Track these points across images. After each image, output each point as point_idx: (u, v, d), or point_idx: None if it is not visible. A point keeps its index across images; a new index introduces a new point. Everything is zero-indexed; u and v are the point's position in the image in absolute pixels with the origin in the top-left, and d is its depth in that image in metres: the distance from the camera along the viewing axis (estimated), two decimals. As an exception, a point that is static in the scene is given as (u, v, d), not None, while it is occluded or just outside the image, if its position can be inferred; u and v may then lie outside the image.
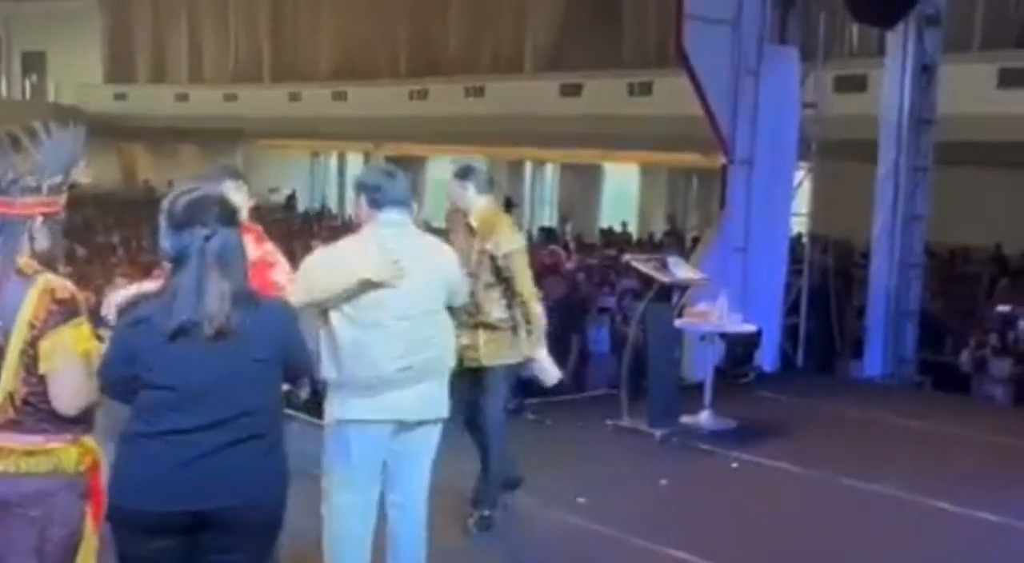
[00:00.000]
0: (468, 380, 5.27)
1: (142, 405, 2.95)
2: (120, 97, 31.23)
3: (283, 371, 3.12)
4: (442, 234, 5.00)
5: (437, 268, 4.32)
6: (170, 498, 2.93)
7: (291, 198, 29.28)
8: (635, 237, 22.47)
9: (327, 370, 4.14)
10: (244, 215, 4.00)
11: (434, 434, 4.35)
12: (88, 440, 3.13)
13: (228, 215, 3.02)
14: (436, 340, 4.28)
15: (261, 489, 3.03)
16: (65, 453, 3.05)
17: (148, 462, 2.95)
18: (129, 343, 2.96)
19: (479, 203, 5.35)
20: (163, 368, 2.92)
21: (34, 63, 34.67)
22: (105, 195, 25.81)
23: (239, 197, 4.01)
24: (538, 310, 5.29)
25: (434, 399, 4.29)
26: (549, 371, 5.40)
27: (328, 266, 4.11)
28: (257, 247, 3.92)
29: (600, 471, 6.21)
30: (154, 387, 2.93)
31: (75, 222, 2.83)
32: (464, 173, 5.39)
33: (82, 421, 3.10)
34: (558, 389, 6.91)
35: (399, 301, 4.10)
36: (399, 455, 4.29)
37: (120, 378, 2.96)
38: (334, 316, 4.07)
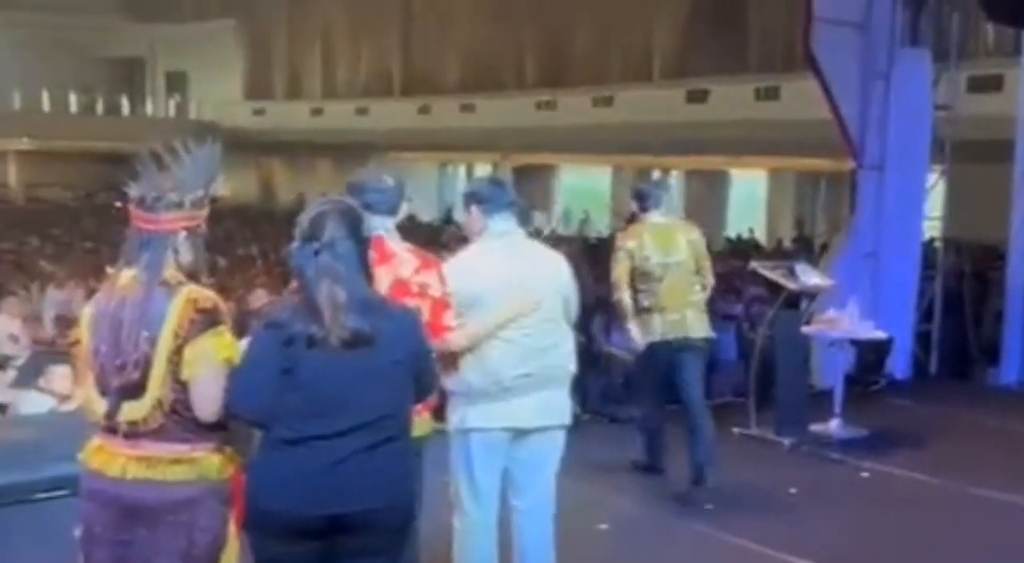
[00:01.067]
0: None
1: (283, 411, 3.02)
2: (258, 113, 32.08)
3: (412, 378, 3.18)
4: (566, 243, 5.06)
5: (553, 277, 4.36)
6: (312, 502, 3.00)
7: (450, 210, 29.18)
8: (762, 243, 22.16)
9: (447, 379, 4.20)
10: (391, 226, 3.97)
11: (557, 441, 4.37)
12: (230, 450, 3.20)
13: (348, 227, 3.10)
14: (555, 348, 4.31)
15: (399, 491, 3.11)
16: (209, 461, 3.12)
17: (291, 467, 3.02)
18: (269, 350, 3.03)
19: (642, 216, 6.48)
20: (304, 374, 2.99)
21: (177, 82, 35.79)
22: (244, 208, 26.57)
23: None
24: (615, 297, 6.37)
25: (555, 406, 4.32)
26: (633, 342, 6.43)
27: (470, 302, 4.13)
28: (441, 284, 3.91)
29: (727, 479, 6.14)
30: (296, 392, 3.00)
31: (216, 234, 2.91)
32: (632, 194, 6.69)
33: (224, 429, 3.16)
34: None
35: (513, 310, 4.19)
36: (522, 463, 4.33)
37: (257, 384, 3.02)
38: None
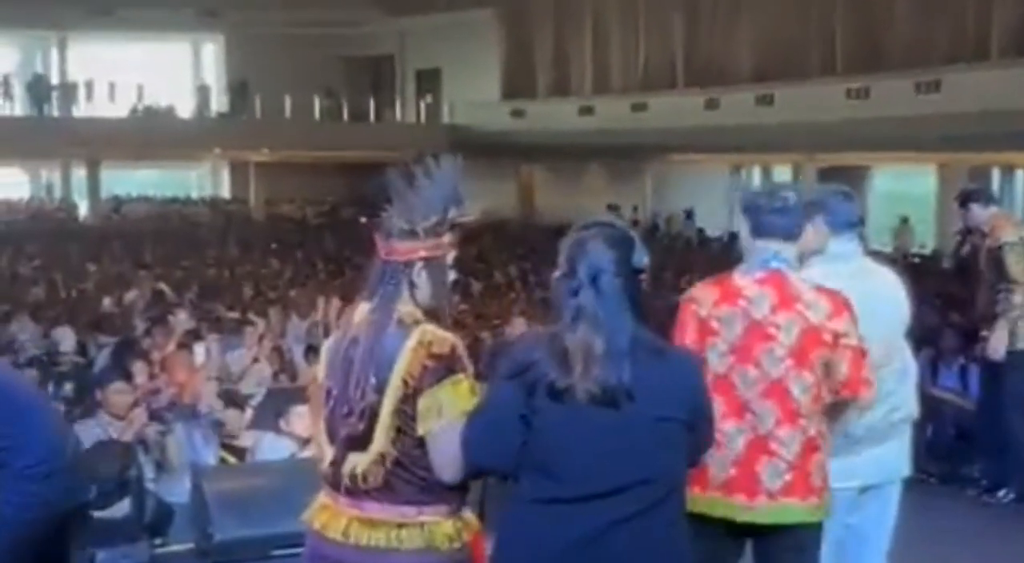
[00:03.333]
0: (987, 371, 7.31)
1: (528, 465, 3.04)
2: (518, 114, 32.61)
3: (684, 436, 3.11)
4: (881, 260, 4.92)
5: (899, 305, 4.22)
6: None
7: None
8: None
9: None
10: (792, 256, 3.92)
11: (893, 500, 4.31)
12: (468, 513, 3.23)
13: (614, 258, 3.07)
14: (896, 393, 4.24)
15: None
16: (439, 528, 3.14)
17: (539, 536, 3.02)
18: (510, 394, 3.05)
19: (984, 215, 7.13)
20: (545, 427, 3.00)
21: (429, 82, 36.72)
22: (501, 223, 27.07)
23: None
24: (1019, 300, 6.86)
25: (894, 459, 4.26)
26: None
27: None
28: (856, 329, 3.85)
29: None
30: (538, 445, 3.01)
31: (470, 255, 2.87)
32: (963, 198, 7.23)
33: (463, 490, 3.19)
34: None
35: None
36: (855, 530, 4.27)
37: (499, 430, 3.04)
38: None
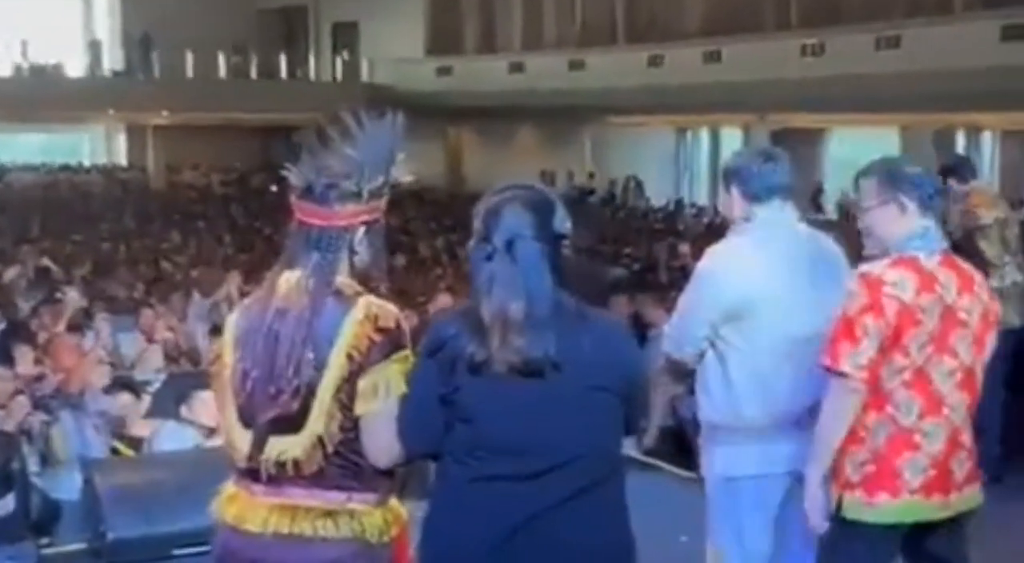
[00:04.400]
0: None
1: (452, 445, 3.06)
2: (444, 72, 32.51)
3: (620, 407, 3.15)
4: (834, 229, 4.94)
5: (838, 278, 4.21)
6: None
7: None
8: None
9: (709, 412, 4.22)
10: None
11: None
12: (396, 503, 3.23)
13: (533, 222, 3.06)
14: None
15: (601, 559, 3.08)
16: (369, 517, 3.14)
17: (460, 523, 3.05)
18: (429, 373, 3.06)
19: (966, 189, 7.23)
20: (468, 404, 3.02)
21: (345, 36, 36.53)
22: (426, 191, 27.01)
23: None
24: (993, 284, 6.51)
25: None
26: None
27: (736, 313, 4.10)
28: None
29: None
30: (464, 424, 3.03)
31: (392, 225, 2.82)
32: (943, 172, 7.05)
33: (392, 477, 3.19)
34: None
35: (798, 324, 4.06)
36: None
37: (422, 414, 3.05)
38: (721, 345, 4.14)
